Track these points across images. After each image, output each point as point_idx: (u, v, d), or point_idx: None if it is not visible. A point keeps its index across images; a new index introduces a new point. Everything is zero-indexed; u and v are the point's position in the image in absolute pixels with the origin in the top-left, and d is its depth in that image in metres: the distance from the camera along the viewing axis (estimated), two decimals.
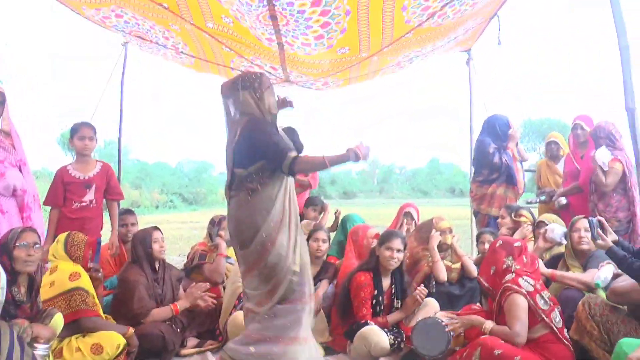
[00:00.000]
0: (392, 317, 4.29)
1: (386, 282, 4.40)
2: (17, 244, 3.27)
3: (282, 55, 5.72)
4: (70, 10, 5.19)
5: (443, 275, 4.83)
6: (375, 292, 4.30)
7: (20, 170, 4.29)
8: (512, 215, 5.38)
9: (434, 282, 4.80)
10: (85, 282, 3.85)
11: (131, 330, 3.91)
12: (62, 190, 4.56)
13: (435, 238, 4.98)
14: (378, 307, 4.29)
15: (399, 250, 4.32)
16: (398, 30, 4.98)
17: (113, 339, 3.74)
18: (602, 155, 5.22)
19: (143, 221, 6.88)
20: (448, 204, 37.18)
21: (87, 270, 4.03)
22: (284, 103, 3.86)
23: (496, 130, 6.10)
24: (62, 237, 4.05)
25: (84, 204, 4.59)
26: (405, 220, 5.79)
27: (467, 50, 7.21)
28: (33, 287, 3.41)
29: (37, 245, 3.35)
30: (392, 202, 35.37)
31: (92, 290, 3.89)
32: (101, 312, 3.96)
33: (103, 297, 4.38)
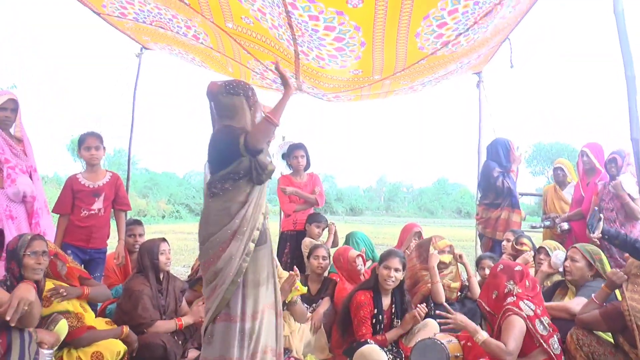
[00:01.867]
0: (391, 334, 4.32)
1: (386, 301, 4.43)
2: (27, 252, 3.34)
3: (297, 64, 5.75)
4: (90, 10, 5.20)
5: (441, 297, 4.84)
6: (375, 311, 4.33)
7: (30, 176, 4.37)
8: (514, 242, 5.41)
9: (432, 304, 4.81)
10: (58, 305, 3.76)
11: (126, 328, 3.98)
12: (71, 198, 4.63)
13: (435, 257, 5.00)
14: (378, 326, 4.32)
15: (397, 270, 4.36)
16: (411, 56, 5.04)
17: (113, 346, 3.79)
18: (629, 183, 5.17)
19: (149, 230, 6.95)
20: (454, 224, 37.02)
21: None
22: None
23: (499, 154, 6.16)
24: None
25: (92, 212, 4.65)
26: (414, 240, 5.83)
27: (478, 73, 7.28)
28: (38, 293, 3.46)
29: (46, 253, 3.41)
30: (398, 221, 35.27)
31: (71, 306, 3.85)
32: (88, 317, 3.97)
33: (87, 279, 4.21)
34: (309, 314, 4.75)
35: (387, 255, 4.45)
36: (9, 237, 4.13)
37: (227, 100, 3.45)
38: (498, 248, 5.82)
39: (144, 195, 36.86)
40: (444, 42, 4.69)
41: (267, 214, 3.54)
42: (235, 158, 3.33)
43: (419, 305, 4.40)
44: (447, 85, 7.07)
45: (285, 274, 4.55)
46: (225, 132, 3.38)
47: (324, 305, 4.88)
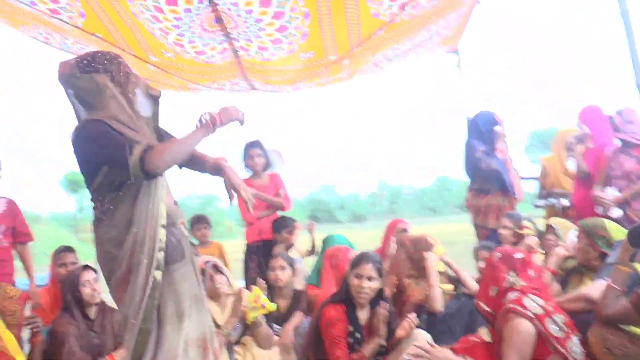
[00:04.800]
0: (367, 349, 3.47)
1: (363, 315, 3.61)
2: None
3: (239, 64, 5.06)
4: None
5: (438, 305, 4.04)
6: (351, 328, 3.51)
7: None
8: (514, 227, 4.63)
9: (425, 316, 4.00)
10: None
11: None
12: None
13: (432, 258, 4.19)
14: (356, 346, 3.50)
15: (370, 278, 3.53)
16: (366, 26, 4.30)
17: None
18: None
19: None
20: (459, 220, 36.24)
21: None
22: (228, 115, 2.66)
23: (480, 130, 5.37)
24: None
25: None
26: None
27: (455, 51, 6.48)
28: None
29: None
30: None
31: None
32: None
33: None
34: (276, 338, 3.94)
35: (358, 261, 3.62)
36: None
37: (84, 82, 2.55)
38: (495, 237, 5.01)
39: None
40: (401, 5, 3.96)
41: (178, 218, 2.71)
42: (106, 163, 2.51)
43: (408, 315, 3.56)
44: (428, 73, 6.31)
45: (245, 291, 3.78)
46: (94, 131, 2.50)
47: (295, 320, 4.08)
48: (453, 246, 7.22)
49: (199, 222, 5.80)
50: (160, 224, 2.54)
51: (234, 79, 5.48)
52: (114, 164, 2.46)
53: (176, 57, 4.51)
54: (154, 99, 2.75)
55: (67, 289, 3.74)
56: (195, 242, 5.60)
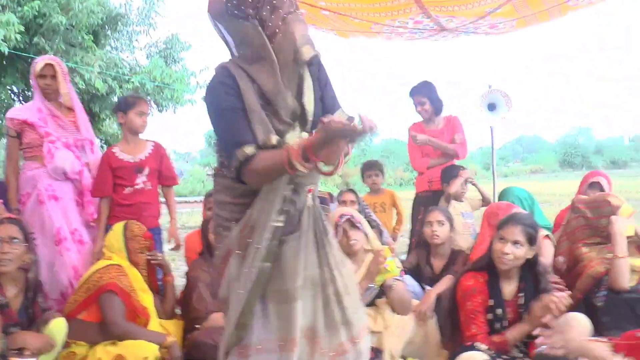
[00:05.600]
0: (513, 333, 2.90)
1: (510, 287, 3.02)
2: None
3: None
4: None
5: (624, 281, 3.19)
6: (492, 302, 2.97)
7: (81, 149, 3.91)
8: None
9: (604, 292, 3.23)
10: (126, 283, 3.29)
11: (170, 339, 3.19)
12: (111, 176, 3.92)
13: (620, 221, 3.36)
14: (498, 324, 2.96)
15: (516, 243, 2.91)
16: None
17: (140, 349, 3.04)
18: None
19: None
20: None
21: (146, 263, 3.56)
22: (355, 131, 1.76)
23: None
24: (118, 227, 3.54)
25: (136, 187, 3.94)
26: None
27: None
28: (29, 288, 2.91)
29: (16, 240, 2.82)
30: None
31: (137, 295, 3.32)
32: (148, 316, 3.36)
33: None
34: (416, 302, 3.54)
35: (505, 221, 3.02)
36: (55, 219, 3.72)
37: (232, 23, 2.08)
38: None
39: None
40: None
41: (305, 185, 2.14)
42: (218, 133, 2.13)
43: (559, 293, 2.89)
44: None
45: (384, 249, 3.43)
46: (220, 104, 2.05)
47: (441, 286, 3.60)
48: None
49: (370, 168, 5.49)
50: (281, 195, 2.09)
51: (416, 15, 4.95)
52: (220, 144, 2.15)
53: None
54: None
55: (204, 234, 3.76)
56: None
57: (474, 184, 4.74)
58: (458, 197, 4.53)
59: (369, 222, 4.29)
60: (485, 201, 4.83)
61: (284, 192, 2.07)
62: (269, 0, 2.03)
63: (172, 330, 3.48)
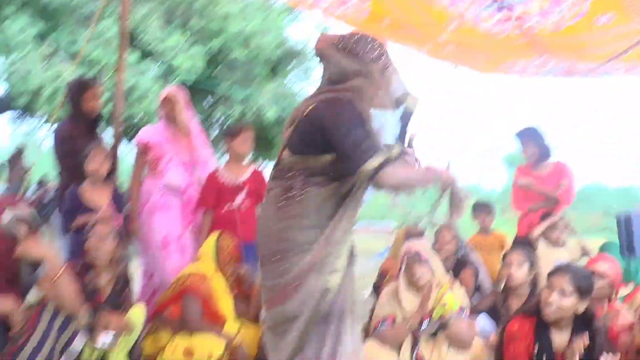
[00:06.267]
0: None
1: (559, 337, 2.89)
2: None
3: (532, 36, 4.49)
4: None
5: None
6: (537, 347, 2.89)
7: (190, 168, 4.44)
8: None
9: None
10: (206, 289, 3.68)
11: (237, 341, 3.54)
12: (215, 193, 4.36)
13: None
14: None
15: (563, 293, 2.80)
16: None
17: (208, 345, 3.41)
18: None
19: None
20: None
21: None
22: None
23: None
24: (212, 237, 4.00)
25: (234, 204, 4.36)
26: None
27: None
28: (119, 279, 3.43)
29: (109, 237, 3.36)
30: None
31: (216, 300, 3.72)
32: (224, 320, 3.72)
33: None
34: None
35: (555, 270, 2.92)
36: (163, 227, 4.28)
37: (339, 59, 2.39)
38: None
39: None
40: None
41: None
42: (336, 152, 2.32)
43: (604, 353, 2.73)
44: None
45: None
46: (355, 111, 2.30)
47: None
48: None
49: (480, 209, 5.48)
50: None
51: (527, 55, 4.87)
52: (344, 158, 2.28)
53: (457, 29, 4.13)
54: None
55: None
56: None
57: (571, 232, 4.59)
58: (555, 242, 4.42)
59: (464, 261, 4.36)
60: (585, 251, 4.63)
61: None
62: (380, 45, 2.44)
63: (252, 334, 3.78)
